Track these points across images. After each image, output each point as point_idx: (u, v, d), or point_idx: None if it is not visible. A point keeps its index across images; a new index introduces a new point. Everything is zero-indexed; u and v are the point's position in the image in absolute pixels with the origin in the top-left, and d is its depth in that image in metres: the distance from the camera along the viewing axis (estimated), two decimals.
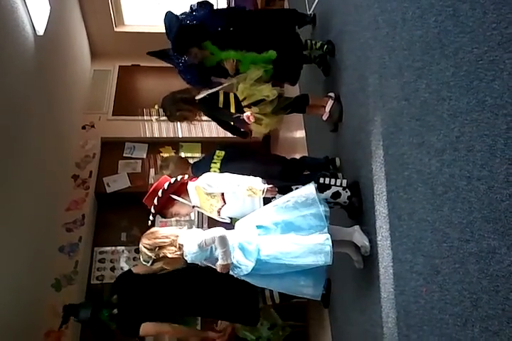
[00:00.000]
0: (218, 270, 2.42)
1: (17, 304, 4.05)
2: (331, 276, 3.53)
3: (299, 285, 2.51)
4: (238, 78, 3.27)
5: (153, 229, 2.50)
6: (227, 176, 2.65)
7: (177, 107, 3.31)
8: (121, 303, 3.39)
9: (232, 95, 3.24)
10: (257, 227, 2.51)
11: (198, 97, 3.26)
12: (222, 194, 2.65)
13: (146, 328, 3.31)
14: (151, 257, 2.41)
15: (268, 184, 2.59)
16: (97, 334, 3.69)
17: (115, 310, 3.43)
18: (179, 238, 2.45)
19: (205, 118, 3.65)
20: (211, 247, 2.41)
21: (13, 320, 3.99)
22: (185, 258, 2.43)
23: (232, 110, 3.21)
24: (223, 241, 2.37)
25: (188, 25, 3.44)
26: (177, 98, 3.31)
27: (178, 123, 4.87)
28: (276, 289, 2.60)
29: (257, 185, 2.54)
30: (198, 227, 5.44)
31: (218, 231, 2.41)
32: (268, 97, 3.18)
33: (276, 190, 2.59)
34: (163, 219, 4.91)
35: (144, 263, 2.47)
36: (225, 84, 3.30)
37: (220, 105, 3.27)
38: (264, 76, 3.34)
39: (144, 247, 2.43)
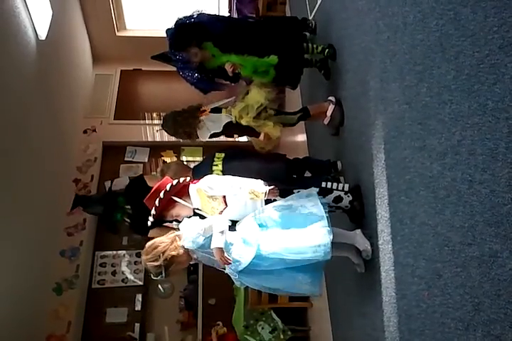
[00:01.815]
0: (216, 257, 2.37)
1: (18, 308, 4.05)
2: (332, 279, 3.53)
3: (297, 282, 2.50)
4: (239, 111, 3.28)
5: (148, 243, 2.46)
6: (229, 178, 2.64)
7: (179, 128, 3.37)
8: (134, 209, 3.41)
9: (236, 136, 3.37)
10: (257, 223, 2.51)
11: (203, 139, 3.42)
12: (224, 196, 2.65)
13: (154, 232, 3.32)
14: (160, 266, 2.36)
15: (269, 185, 2.59)
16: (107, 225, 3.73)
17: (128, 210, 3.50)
18: (180, 226, 2.47)
19: None
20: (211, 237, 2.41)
21: (14, 324, 3.99)
22: (183, 243, 2.40)
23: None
24: (220, 224, 2.38)
25: (187, 24, 3.46)
26: (179, 121, 3.35)
27: None
28: (274, 286, 2.57)
29: (259, 187, 2.54)
30: None
31: (217, 218, 2.46)
32: (273, 135, 3.28)
33: (278, 191, 2.58)
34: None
35: (159, 277, 2.41)
36: (225, 118, 3.35)
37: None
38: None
39: (149, 262, 2.39)
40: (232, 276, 2.48)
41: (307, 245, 2.39)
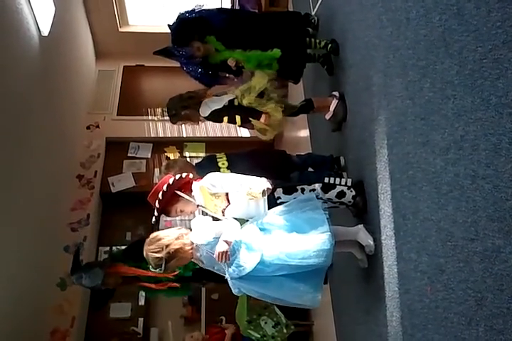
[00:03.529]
0: (218, 248, 2.36)
1: (22, 303, 4.07)
2: (335, 275, 3.54)
3: (299, 292, 2.49)
4: (242, 91, 3.28)
5: (152, 235, 2.47)
6: (231, 176, 2.64)
7: (183, 104, 3.36)
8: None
9: (238, 118, 3.34)
10: (259, 229, 2.52)
11: (204, 115, 3.39)
12: (227, 194, 2.65)
13: None
14: (161, 258, 2.36)
15: (271, 182, 2.59)
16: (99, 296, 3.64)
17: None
18: (192, 222, 2.49)
19: None
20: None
21: (18, 319, 4.01)
22: (192, 237, 2.42)
23: (238, 123, 3.39)
24: (231, 234, 2.41)
25: (188, 18, 3.46)
26: (185, 97, 3.36)
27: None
28: (274, 296, 2.55)
29: (257, 187, 2.52)
30: None
31: (229, 226, 2.48)
32: (274, 115, 3.29)
33: (272, 185, 2.58)
34: (168, 219, 4.89)
35: (157, 270, 2.40)
36: (227, 97, 3.35)
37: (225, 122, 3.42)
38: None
39: (151, 252, 2.38)
40: (230, 283, 2.46)
41: (310, 251, 2.39)
